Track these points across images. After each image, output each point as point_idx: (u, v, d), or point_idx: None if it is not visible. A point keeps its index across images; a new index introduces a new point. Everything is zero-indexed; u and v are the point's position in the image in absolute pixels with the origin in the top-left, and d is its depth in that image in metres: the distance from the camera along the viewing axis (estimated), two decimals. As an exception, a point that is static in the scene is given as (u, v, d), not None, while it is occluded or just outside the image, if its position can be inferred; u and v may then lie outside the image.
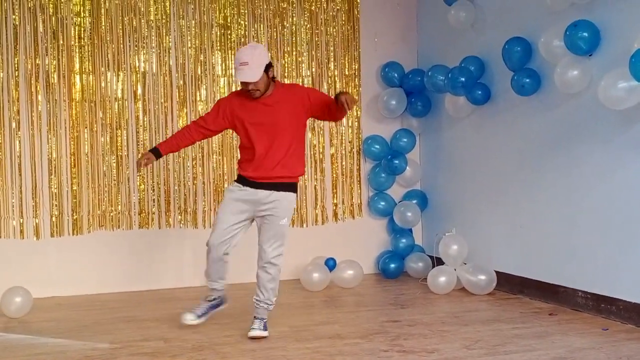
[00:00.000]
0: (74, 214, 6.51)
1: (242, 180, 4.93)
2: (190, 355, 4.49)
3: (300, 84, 7.09)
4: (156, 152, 5.04)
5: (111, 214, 6.59)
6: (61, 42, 6.46)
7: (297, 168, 4.93)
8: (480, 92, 6.32)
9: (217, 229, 4.92)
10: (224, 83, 6.92)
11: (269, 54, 4.90)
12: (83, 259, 6.52)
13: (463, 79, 6.27)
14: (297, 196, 5.04)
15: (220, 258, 4.96)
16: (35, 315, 5.70)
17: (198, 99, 6.83)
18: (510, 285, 6.16)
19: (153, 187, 6.70)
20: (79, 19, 6.54)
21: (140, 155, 5.00)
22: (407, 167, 7.20)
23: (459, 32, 6.73)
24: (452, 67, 6.42)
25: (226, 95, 6.89)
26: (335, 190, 7.27)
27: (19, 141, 6.39)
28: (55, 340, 4.91)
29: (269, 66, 4.76)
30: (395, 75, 7.23)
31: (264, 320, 4.96)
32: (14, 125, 6.37)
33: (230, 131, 6.89)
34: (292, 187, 4.93)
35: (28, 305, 5.69)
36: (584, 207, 5.38)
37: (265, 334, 4.88)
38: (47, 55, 6.44)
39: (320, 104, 4.86)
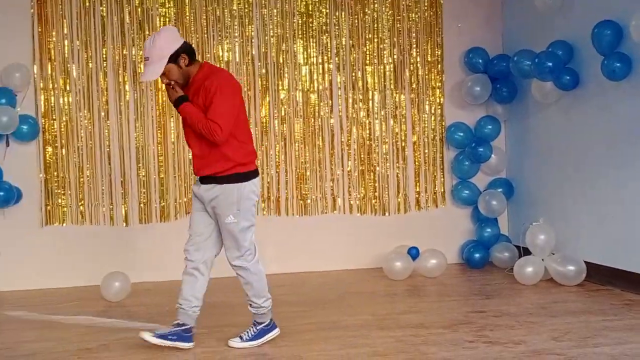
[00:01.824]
0: (162, 201, 6.64)
1: None
2: (274, 342, 4.53)
3: (384, 70, 7.04)
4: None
5: (196, 202, 6.70)
6: (147, 32, 6.59)
7: (221, 162, 4.30)
8: (568, 77, 6.14)
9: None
10: (306, 71, 6.93)
11: (180, 38, 4.29)
12: (170, 246, 6.62)
13: (550, 64, 6.09)
14: (246, 185, 4.36)
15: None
16: (129, 299, 5.88)
17: (280, 87, 6.86)
18: (600, 276, 5.97)
19: (236, 175, 6.77)
20: (163, 9, 6.65)
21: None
22: (492, 155, 7.06)
23: (545, 16, 6.54)
24: (538, 52, 6.25)
25: (307, 83, 6.93)
26: (417, 179, 7.19)
27: (108, 130, 6.56)
28: (145, 324, 5.02)
29: (177, 55, 4.20)
30: (480, 60, 7.09)
31: (259, 326, 4.50)
32: (103, 114, 6.55)
33: (312, 119, 6.92)
34: (231, 179, 4.33)
35: (127, 290, 5.87)
36: (679, 196, 5.16)
37: (245, 344, 4.43)
38: (133, 45, 6.58)
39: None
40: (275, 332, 4.55)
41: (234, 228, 4.36)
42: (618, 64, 5.50)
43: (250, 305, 4.52)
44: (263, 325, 4.52)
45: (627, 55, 5.52)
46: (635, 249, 5.61)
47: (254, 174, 4.45)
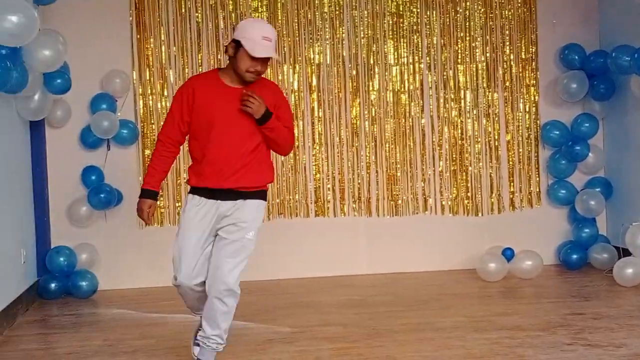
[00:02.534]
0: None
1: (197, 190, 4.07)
2: (368, 342, 4.55)
3: (476, 69, 6.97)
4: (152, 194, 4.10)
5: (289, 203, 6.79)
6: (240, 37, 6.70)
7: (265, 175, 4.03)
8: (670, 73, 5.92)
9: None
10: (396, 72, 6.91)
11: None
12: (262, 247, 6.72)
13: (651, 59, 5.90)
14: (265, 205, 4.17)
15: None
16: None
17: (370, 88, 6.87)
18: None
19: (328, 176, 6.83)
20: (257, 14, 6.76)
21: (138, 209, 4.11)
22: (590, 154, 6.87)
23: (645, 9, 6.33)
24: (638, 47, 6.05)
25: (398, 84, 6.90)
26: (511, 178, 7.06)
27: (203, 133, 6.70)
28: (241, 322, 5.10)
29: None
30: (576, 57, 6.91)
31: None
32: (198, 118, 6.69)
33: (403, 119, 6.89)
34: (262, 195, 4.07)
35: None
36: None
37: None
38: (227, 50, 6.70)
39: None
40: None
41: (250, 246, 3.98)
42: None
43: (209, 339, 4.06)
44: None
45: None
46: None
47: None
